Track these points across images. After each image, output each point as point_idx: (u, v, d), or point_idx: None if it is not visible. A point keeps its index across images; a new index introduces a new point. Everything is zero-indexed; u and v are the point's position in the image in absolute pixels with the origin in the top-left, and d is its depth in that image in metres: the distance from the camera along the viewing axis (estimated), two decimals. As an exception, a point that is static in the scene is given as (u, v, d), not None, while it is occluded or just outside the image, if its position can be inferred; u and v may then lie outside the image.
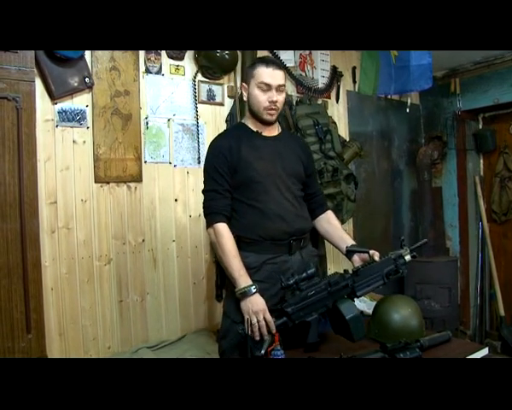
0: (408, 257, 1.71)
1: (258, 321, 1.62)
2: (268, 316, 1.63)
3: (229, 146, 1.79)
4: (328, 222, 1.98)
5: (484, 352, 1.62)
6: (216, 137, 1.93)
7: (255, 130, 1.85)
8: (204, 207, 1.80)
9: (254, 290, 1.66)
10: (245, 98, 1.85)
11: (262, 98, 1.77)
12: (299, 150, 1.95)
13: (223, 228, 1.74)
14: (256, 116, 1.83)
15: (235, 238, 1.75)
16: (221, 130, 2.71)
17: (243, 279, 1.68)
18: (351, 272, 1.70)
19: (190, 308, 2.64)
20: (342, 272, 1.74)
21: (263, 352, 1.52)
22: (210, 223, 1.76)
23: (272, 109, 1.80)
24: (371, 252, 1.74)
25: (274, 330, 1.60)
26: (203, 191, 1.82)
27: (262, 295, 1.68)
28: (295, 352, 1.62)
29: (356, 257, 1.81)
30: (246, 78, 1.85)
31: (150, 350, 2.35)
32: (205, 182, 1.83)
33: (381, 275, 1.69)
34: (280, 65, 1.84)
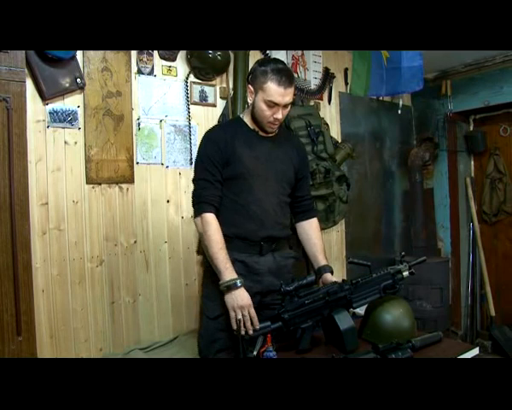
0: (406, 273, 1.73)
1: (243, 316, 1.62)
2: (252, 311, 1.63)
3: (225, 138, 1.77)
4: (307, 234, 1.95)
5: (474, 352, 1.64)
6: (212, 128, 1.90)
7: (252, 128, 1.83)
8: (194, 196, 1.78)
9: (240, 284, 1.65)
10: (249, 101, 1.82)
11: (267, 114, 1.75)
12: (294, 153, 1.93)
13: (211, 218, 1.72)
14: (257, 123, 1.82)
15: None
16: (213, 131, 2.71)
17: (229, 272, 1.66)
18: (349, 282, 1.70)
19: (182, 309, 2.64)
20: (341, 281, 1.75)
21: (255, 353, 1.52)
22: (199, 212, 1.74)
23: (275, 124, 1.79)
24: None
25: (257, 326, 1.61)
26: (194, 180, 1.80)
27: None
28: (288, 353, 1.62)
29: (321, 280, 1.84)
30: (254, 82, 1.76)
31: (142, 352, 2.34)
32: (196, 171, 1.80)
33: (378, 289, 1.70)
34: (292, 79, 1.75)
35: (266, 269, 1.82)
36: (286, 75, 1.72)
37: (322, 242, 1.96)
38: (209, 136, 1.84)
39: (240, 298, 1.64)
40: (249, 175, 1.77)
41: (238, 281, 1.65)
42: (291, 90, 1.74)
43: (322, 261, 1.88)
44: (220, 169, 1.76)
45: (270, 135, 1.86)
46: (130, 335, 2.44)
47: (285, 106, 1.75)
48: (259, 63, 1.79)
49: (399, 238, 3.97)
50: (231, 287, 1.65)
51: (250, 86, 1.79)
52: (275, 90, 1.70)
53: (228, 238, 1.75)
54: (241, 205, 1.78)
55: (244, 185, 1.78)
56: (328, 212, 2.92)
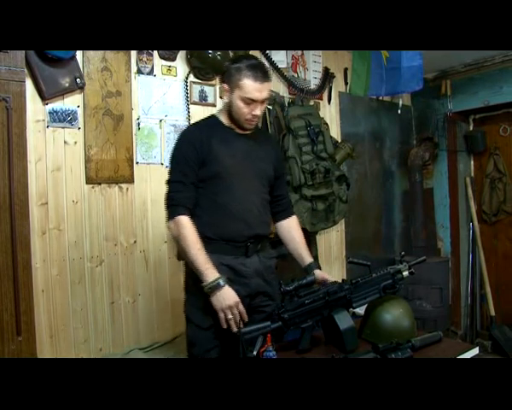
0: (406, 273, 1.72)
1: (233, 314, 1.61)
2: (241, 307, 1.63)
3: (200, 138, 1.73)
4: (290, 232, 1.94)
5: (474, 352, 1.63)
6: (187, 128, 1.86)
7: (228, 125, 1.80)
8: (167, 199, 1.73)
9: (223, 283, 1.62)
10: (225, 99, 1.79)
11: (245, 111, 1.72)
12: (272, 151, 1.91)
13: (186, 220, 1.67)
14: (234, 121, 1.78)
15: None
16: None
17: (210, 272, 1.63)
18: (349, 282, 1.70)
19: (182, 310, 2.63)
20: (340, 281, 1.75)
21: (255, 353, 1.51)
22: (172, 215, 1.69)
23: (253, 121, 1.77)
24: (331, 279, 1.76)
25: (246, 320, 1.63)
26: (167, 182, 1.76)
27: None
28: (288, 353, 1.62)
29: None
30: (229, 80, 1.74)
31: (142, 352, 2.34)
32: (170, 172, 1.76)
33: (378, 289, 1.69)
34: (267, 74, 1.74)
35: (253, 271, 1.79)
36: (261, 70, 1.71)
37: (304, 239, 1.96)
38: (184, 136, 1.79)
39: (226, 297, 1.61)
40: (227, 173, 1.73)
41: (221, 280, 1.62)
42: (267, 85, 1.72)
43: (308, 259, 1.88)
44: (195, 170, 1.72)
45: (248, 132, 1.82)
46: (129, 335, 2.44)
47: (262, 102, 1.73)
48: (233, 61, 1.77)
49: (399, 238, 3.97)
50: (215, 287, 1.62)
51: (225, 85, 1.76)
52: (252, 87, 1.68)
53: (210, 240, 1.71)
54: (221, 205, 1.73)
55: (222, 184, 1.73)
56: (328, 212, 2.92)
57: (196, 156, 1.71)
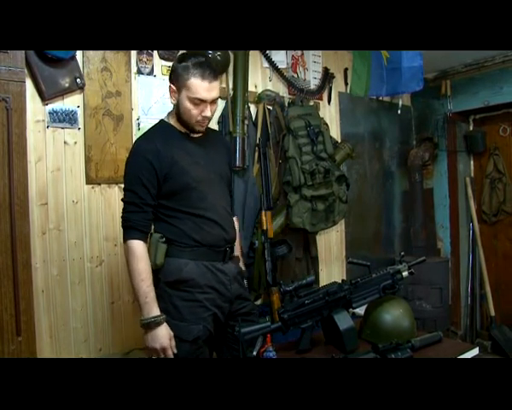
0: (405, 273, 1.73)
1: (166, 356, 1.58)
2: (173, 349, 1.59)
3: (157, 151, 1.63)
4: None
5: (474, 352, 1.64)
6: (139, 139, 1.74)
7: (183, 131, 1.73)
8: (121, 219, 1.67)
9: (159, 322, 1.57)
10: (173, 102, 1.70)
11: (195, 112, 1.64)
12: (224, 150, 1.89)
13: (136, 246, 1.61)
14: (185, 124, 1.71)
15: (167, 243, 1.66)
16: (213, 131, 2.71)
17: (149, 307, 1.58)
18: (349, 282, 1.70)
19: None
20: (340, 281, 1.75)
21: (255, 353, 1.52)
22: (125, 238, 1.64)
23: (204, 122, 1.70)
24: None
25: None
26: (122, 200, 1.69)
27: (206, 306, 1.65)
28: (287, 353, 1.63)
29: None
30: (176, 80, 1.65)
31: (142, 352, 2.34)
32: (125, 190, 1.68)
33: (377, 289, 1.70)
34: (216, 72, 1.68)
35: (232, 276, 1.76)
36: (209, 68, 1.63)
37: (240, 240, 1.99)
38: (137, 150, 1.68)
39: (160, 338, 1.57)
40: (196, 183, 1.67)
41: (158, 318, 1.57)
42: (216, 84, 1.65)
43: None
44: (151, 189, 1.63)
45: (200, 135, 1.77)
46: (130, 335, 2.43)
47: (212, 102, 1.66)
48: (179, 59, 1.67)
49: (399, 238, 3.97)
50: (149, 325, 1.57)
51: (172, 85, 1.67)
52: (199, 86, 1.60)
53: (189, 246, 1.68)
54: (198, 214, 1.67)
55: (193, 195, 1.67)
56: (328, 212, 2.92)
57: (153, 173, 1.62)
